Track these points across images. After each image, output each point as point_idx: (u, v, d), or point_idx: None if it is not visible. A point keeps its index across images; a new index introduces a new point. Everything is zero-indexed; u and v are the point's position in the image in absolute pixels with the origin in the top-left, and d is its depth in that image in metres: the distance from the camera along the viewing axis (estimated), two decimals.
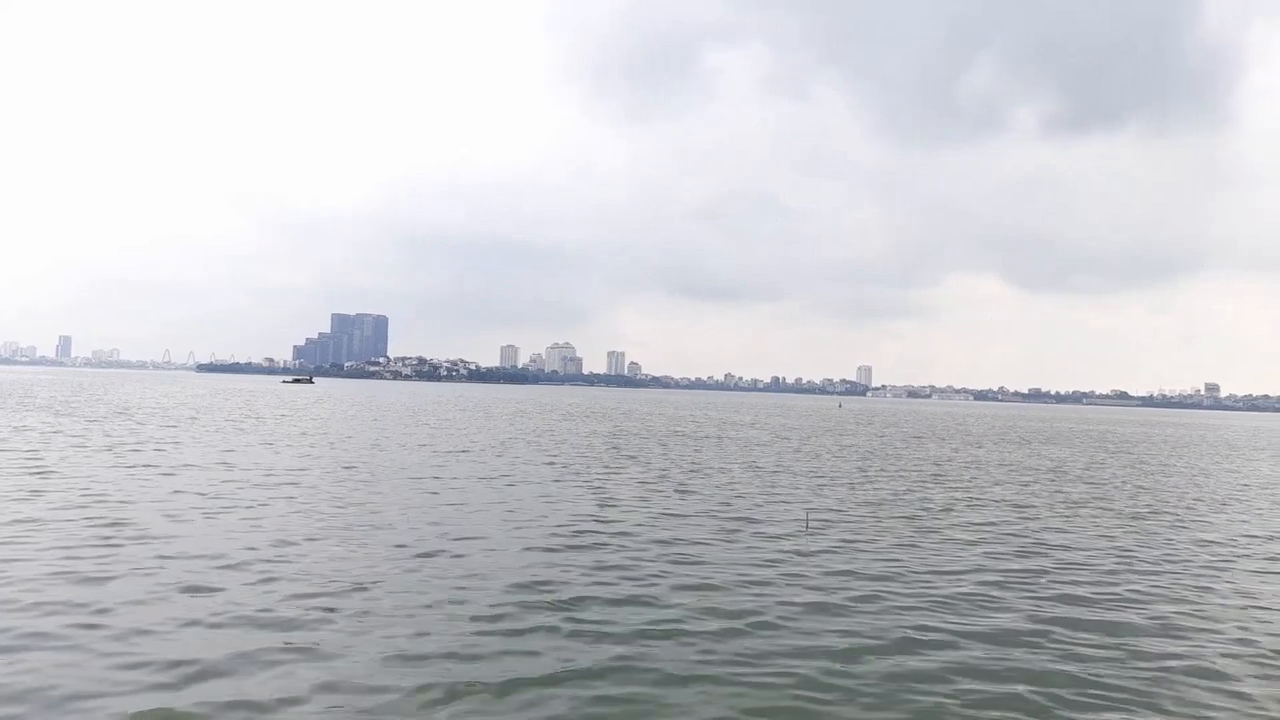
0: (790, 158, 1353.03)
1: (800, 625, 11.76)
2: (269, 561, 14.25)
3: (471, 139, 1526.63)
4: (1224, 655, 11.07)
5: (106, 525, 16.73)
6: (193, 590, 12.32)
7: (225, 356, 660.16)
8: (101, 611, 11.13)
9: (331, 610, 11.58)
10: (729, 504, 23.22)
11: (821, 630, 11.57)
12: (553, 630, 11.13)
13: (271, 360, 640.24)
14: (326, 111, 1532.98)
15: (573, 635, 10.95)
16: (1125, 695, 9.53)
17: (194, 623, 10.83)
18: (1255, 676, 10.31)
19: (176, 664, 9.40)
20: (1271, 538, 20.89)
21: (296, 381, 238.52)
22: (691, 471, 31.41)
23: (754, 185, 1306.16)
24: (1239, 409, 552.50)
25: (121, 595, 11.92)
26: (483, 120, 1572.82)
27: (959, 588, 14.29)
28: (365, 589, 12.75)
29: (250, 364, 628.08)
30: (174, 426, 44.89)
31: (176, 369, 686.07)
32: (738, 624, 11.69)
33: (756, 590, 13.66)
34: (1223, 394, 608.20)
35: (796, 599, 13.17)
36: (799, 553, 16.75)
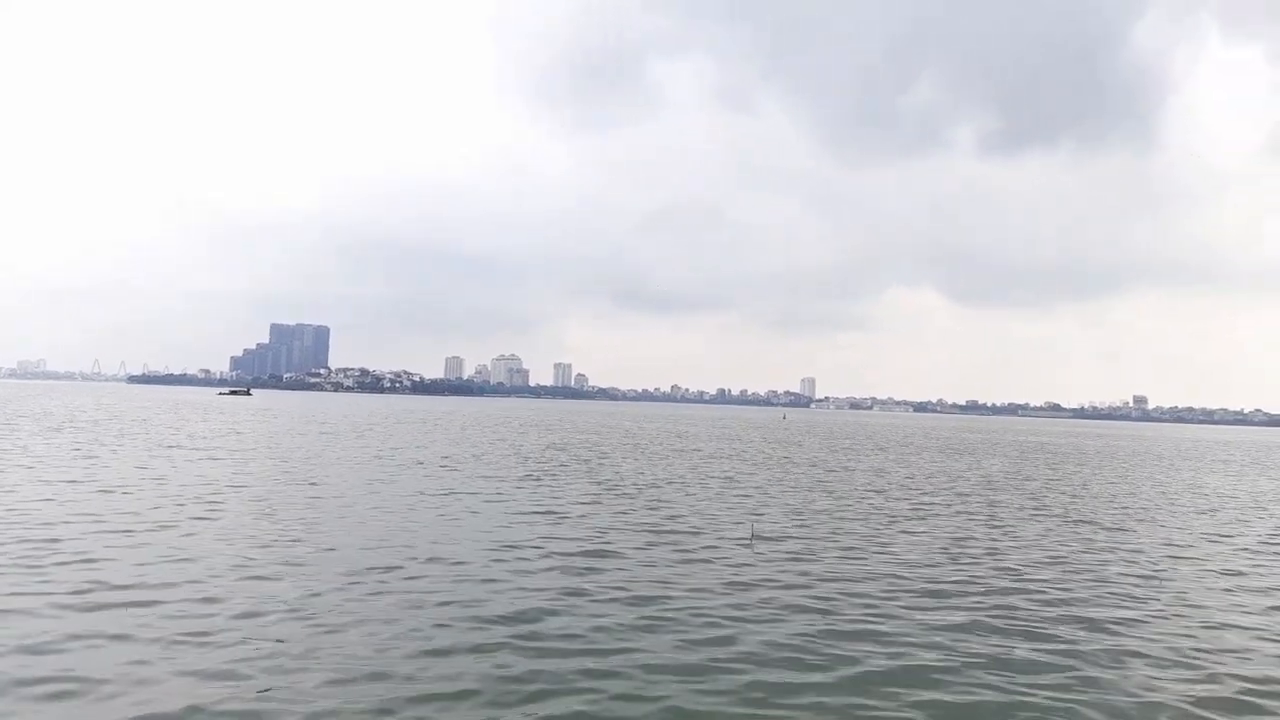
0: (735, 170, 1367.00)
1: (747, 642, 11.75)
2: (207, 583, 13.74)
3: (417, 146, 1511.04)
4: (1179, 667, 11.38)
5: (31, 545, 15.96)
6: (128, 610, 11.82)
7: (159, 367, 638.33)
8: (27, 649, 10.62)
9: (276, 639, 11.22)
10: (678, 516, 23.22)
11: (766, 648, 11.57)
12: (511, 654, 10.95)
13: (207, 371, 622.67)
14: (265, 115, 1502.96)
15: (530, 663, 10.78)
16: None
17: (133, 660, 10.39)
18: (1198, 683, 10.63)
19: (108, 696, 9.00)
20: (1220, 546, 21.65)
21: (234, 393, 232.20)
22: (641, 484, 31.34)
23: (699, 197, 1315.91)
24: (1165, 420, 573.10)
25: (48, 619, 11.38)
26: (428, 127, 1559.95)
27: (905, 601, 14.46)
28: (312, 615, 12.35)
29: (185, 375, 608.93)
30: (106, 440, 43.28)
31: (107, 380, 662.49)
32: (686, 641, 11.65)
33: (704, 606, 13.61)
34: (1150, 406, 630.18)
35: (743, 617, 13.16)
36: (745, 565, 16.81)
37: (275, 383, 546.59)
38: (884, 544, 20.23)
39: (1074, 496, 33.37)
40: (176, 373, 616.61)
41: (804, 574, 16.48)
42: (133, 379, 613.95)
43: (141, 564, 15.06)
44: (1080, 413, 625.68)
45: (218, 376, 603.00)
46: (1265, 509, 31.77)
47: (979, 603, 14.62)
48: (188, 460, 34.56)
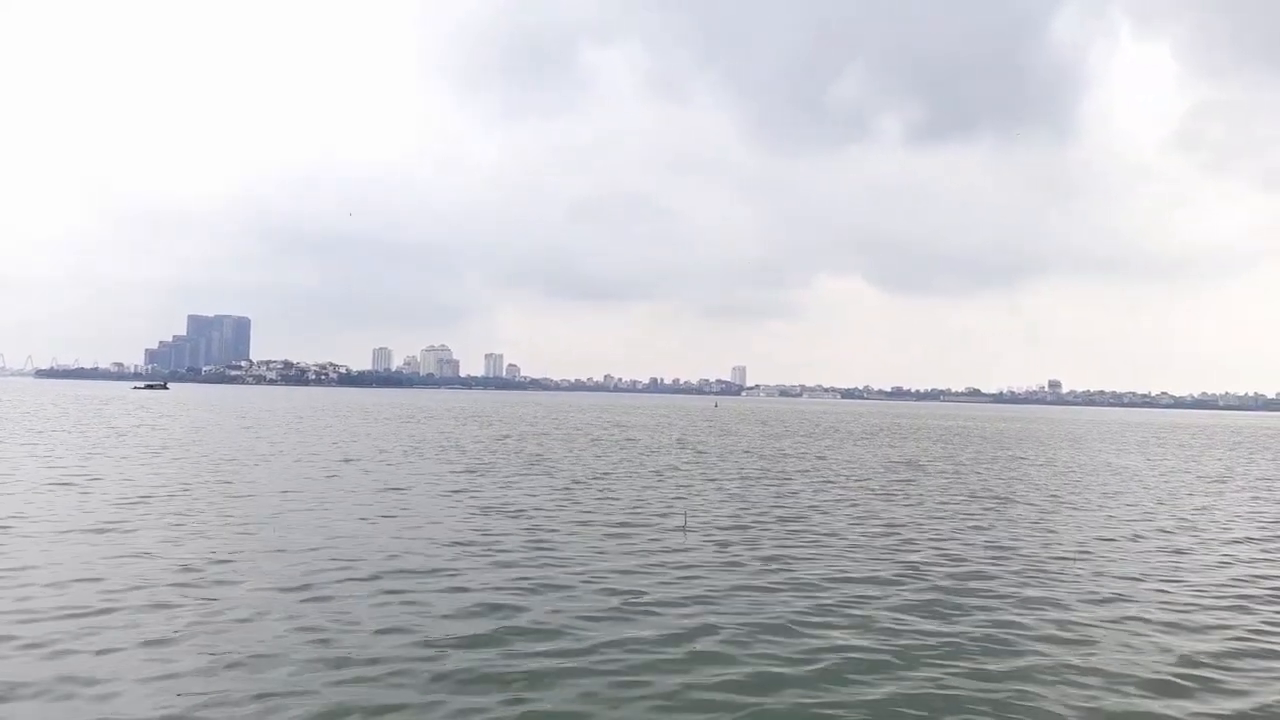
0: (666, 159, 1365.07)
1: (681, 630, 11.79)
2: (121, 595, 13.03)
3: (340, 132, 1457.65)
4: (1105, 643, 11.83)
5: None
6: (30, 622, 11.21)
7: (68, 361, 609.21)
8: None
9: (207, 653, 10.78)
10: (611, 506, 23.32)
11: (700, 636, 11.62)
12: (453, 657, 10.77)
13: (121, 365, 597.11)
14: (178, 99, 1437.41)
15: (467, 663, 10.63)
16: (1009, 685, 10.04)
17: (31, 683, 9.89)
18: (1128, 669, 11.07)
19: None
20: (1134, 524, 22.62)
21: (150, 387, 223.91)
22: (579, 476, 31.26)
23: (630, 185, 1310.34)
24: (1078, 404, 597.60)
25: None
26: (351, 113, 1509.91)
27: (837, 586, 14.69)
28: (248, 628, 11.80)
29: (97, 369, 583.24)
30: (10, 438, 41.15)
31: (12, 375, 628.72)
32: (620, 634, 11.63)
33: (632, 594, 13.64)
34: (1064, 390, 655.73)
35: (672, 608, 13.16)
36: (676, 553, 16.96)
37: (193, 376, 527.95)
38: (812, 530, 20.56)
39: (996, 478, 34.50)
40: (88, 366, 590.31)
41: (732, 557, 16.69)
42: (40, 374, 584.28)
43: (44, 578, 14.27)
44: (999, 397, 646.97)
45: (132, 370, 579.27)
46: (1181, 490, 33.37)
47: (898, 585, 14.99)
48: (103, 459, 33.05)
